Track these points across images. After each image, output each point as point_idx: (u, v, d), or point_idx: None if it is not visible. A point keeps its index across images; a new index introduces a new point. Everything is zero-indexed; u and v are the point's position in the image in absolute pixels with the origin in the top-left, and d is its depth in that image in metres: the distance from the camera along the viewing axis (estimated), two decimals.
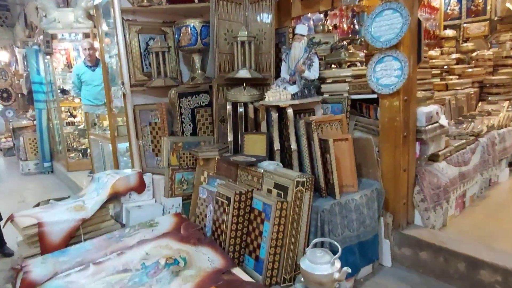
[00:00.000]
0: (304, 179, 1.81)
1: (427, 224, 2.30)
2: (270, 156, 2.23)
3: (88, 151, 5.23)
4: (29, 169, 5.86)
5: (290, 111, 2.07)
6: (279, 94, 2.21)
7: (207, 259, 1.78)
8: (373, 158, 2.15)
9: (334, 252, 1.67)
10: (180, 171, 2.58)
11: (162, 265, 1.70)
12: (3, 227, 2.30)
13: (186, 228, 2.11)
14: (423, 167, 2.36)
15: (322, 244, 1.85)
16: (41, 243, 2.06)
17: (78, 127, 5.66)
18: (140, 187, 2.51)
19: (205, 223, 2.23)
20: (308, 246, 1.88)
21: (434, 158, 2.47)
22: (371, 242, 2.07)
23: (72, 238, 2.16)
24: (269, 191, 1.97)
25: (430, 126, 2.27)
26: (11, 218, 2.20)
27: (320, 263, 1.57)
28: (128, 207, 2.46)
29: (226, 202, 2.00)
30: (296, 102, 2.10)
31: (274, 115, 2.17)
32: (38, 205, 2.83)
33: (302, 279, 1.67)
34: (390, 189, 2.19)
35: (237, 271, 1.71)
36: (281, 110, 2.19)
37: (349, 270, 1.52)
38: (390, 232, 2.23)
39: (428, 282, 2.07)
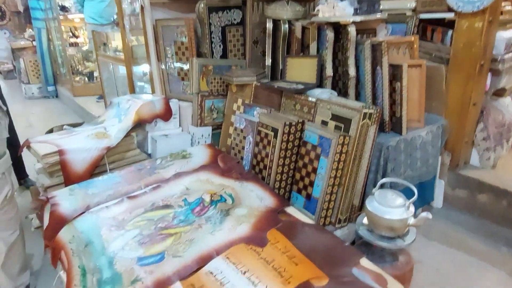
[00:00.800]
0: (372, 111, 1.54)
1: (485, 164, 2.09)
2: (320, 83, 1.94)
3: (95, 74, 4.89)
4: (32, 93, 5.56)
5: (352, 29, 1.73)
6: (333, 9, 1.85)
7: (256, 196, 1.59)
8: (440, 90, 1.87)
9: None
10: (210, 98, 2.30)
11: (207, 202, 1.50)
12: (19, 153, 2.08)
13: (224, 161, 1.90)
14: (489, 102, 2.09)
15: (381, 185, 1.64)
16: (64, 172, 1.85)
17: (82, 49, 5.23)
18: (166, 114, 2.25)
19: (242, 156, 2.01)
20: (366, 185, 1.69)
21: (499, 92, 2.19)
22: (429, 183, 1.88)
23: (96, 168, 1.95)
24: (324, 123, 1.71)
25: (508, 55, 1.95)
26: (27, 144, 1.97)
27: (392, 206, 1.38)
28: (154, 136, 2.22)
29: (272, 133, 1.76)
30: (361, 18, 1.75)
31: (330, 35, 1.83)
32: (51, 131, 2.60)
33: (365, 221, 1.49)
34: (453, 125, 1.94)
35: (291, 211, 1.53)
36: (337, 29, 1.85)
37: (430, 216, 1.33)
38: (446, 172, 2.03)
39: (486, 226, 1.92)
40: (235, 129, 2.06)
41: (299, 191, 1.74)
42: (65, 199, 1.55)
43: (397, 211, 1.37)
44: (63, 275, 1.25)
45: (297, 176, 1.75)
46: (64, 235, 1.37)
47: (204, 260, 1.19)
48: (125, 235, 1.34)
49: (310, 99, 1.80)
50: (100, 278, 1.15)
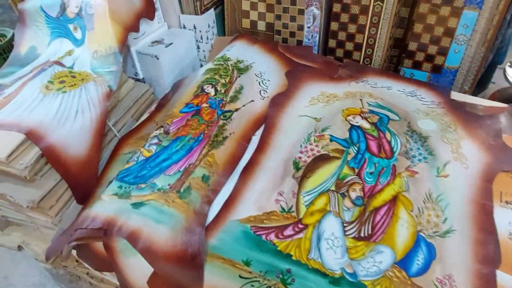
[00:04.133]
0: None
1: None
2: None
3: None
4: None
5: None
6: None
7: (405, 94, 1.11)
8: None
9: None
10: None
11: (370, 129, 0.98)
12: None
13: (300, 55, 1.27)
14: None
15: None
16: (59, 168, 1.01)
17: None
18: (149, 7, 1.32)
19: (299, 40, 1.38)
20: None
21: None
22: None
23: (103, 135, 1.12)
24: None
25: None
26: None
27: None
28: (144, 51, 1.33)
29: None
30: None
31: None
32: None
33: None
34: None
35: (458, 96, 1.12)
36: None
37: None
38: None
39: None
40: (277, 1, 1.34)
41: (416, 65, 1.29)
42: (148, 218, 0.84)
43: None
44: None
45: (412, 46, 1.27)
46: (224, 282, 0.76)
47: (486, 222, 0.79)
48: (325, 231, 0.80)
49: None
50: None
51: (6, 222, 1.22)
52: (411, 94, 1.10)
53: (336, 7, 1.24)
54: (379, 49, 1.25)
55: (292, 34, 1.38)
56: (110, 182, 0.98)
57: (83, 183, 1.07)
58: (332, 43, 1.32)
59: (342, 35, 1.29)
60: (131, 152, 1.12)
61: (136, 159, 1.00)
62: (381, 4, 1.17)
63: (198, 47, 1.50)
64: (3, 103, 1.07)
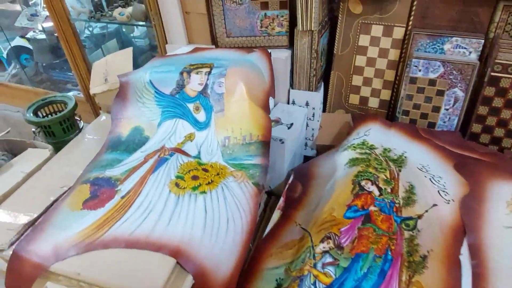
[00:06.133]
0: None
1: None
2: None
3: None
4: None
5: None
6: None
7: None
8: None
9: None
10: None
11: None
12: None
13: (444, 140, 1.11)
14: None
15: None
16: None
17: None
18: (273, 84, 1.15)
19: (432, 122, 1.23)
20: None
21: None
22: None
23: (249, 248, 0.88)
24: None
25: None
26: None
27: None
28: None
29: None
30: None
31: None
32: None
33: None
34: None
35: None
36: None
37: None
38: None
39: None
40: (411, 81, 1.20)
41: None
42: None
43: None
44: None
45: None
46: None
47: None
48: None
49: None
50: None
51: None
52: None
53: (489, 91, 1.11)
54: None
55: (424, 116, 1.22)
56: None
57: None
58: (476, 128, 1.17)
59: (491, 120, 1.14)
60: (278, 267, 0.88)
61: (312, 286, 0.76)
62: None
63: (307, 125, 1.32)
64: (124, 205, 0.83)
